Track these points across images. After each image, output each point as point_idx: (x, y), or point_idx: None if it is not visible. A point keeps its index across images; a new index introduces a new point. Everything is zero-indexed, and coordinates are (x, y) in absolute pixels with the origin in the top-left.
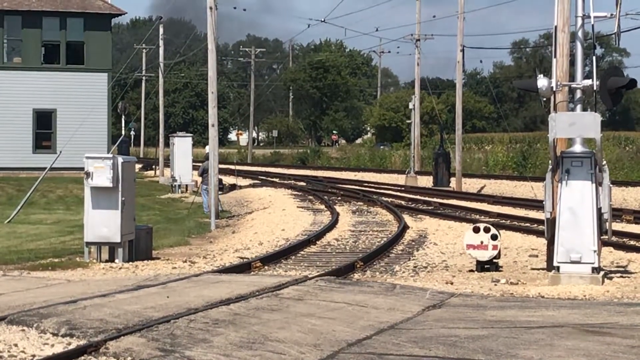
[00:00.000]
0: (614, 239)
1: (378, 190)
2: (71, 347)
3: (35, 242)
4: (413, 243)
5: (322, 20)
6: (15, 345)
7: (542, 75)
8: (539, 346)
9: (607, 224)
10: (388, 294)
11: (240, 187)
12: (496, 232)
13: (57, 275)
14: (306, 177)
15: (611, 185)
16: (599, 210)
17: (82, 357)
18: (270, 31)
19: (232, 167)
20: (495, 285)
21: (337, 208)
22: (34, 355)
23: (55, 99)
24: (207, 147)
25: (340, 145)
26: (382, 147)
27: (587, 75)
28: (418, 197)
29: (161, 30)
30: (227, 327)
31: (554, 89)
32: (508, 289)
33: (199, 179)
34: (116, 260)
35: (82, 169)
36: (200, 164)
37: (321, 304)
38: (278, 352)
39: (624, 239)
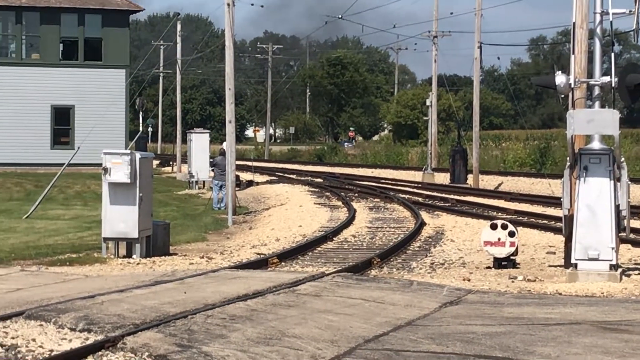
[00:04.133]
0: (632, 236)
1: (395, 187)
2: (89, 342)
3: (53, 237)
4: (430, 240)
5: (340, 17)
6: (34, 340)
7: (560, 72)
8: (556, 343)
9: (625, 221)
10: (405, 291)
11: (257, 183)
12: (514, 229)
13: (74, 271)
14: (323, 173)
15: (629, 182)
16: (617, 207)
17: (100, 352)
18: (287, 28)
19: (249, 163)
20: (513, 282)
21: (354, 204)
22: (52, 350)
23: (73, 95)
24: (224, 144)
25: (357, 142)
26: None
27: (606, 72)
28: (435, 193)
29: (179, 27)
30: (244, 322)
31: (572, 86)
32: (525, 286)
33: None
34: (134, 256)
35: (100, 164)
36: None
37: (338, 300)
38: (295, 347)
39: None
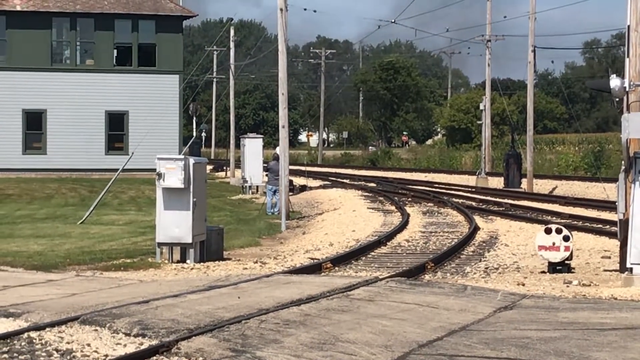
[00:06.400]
0: None
1: (448, 192)
2: (143, 347)
3: (108, 242)
4: (484, 244)
5: (393, 21)
6: (89, 345)
7: (614, 75)
8: (612, 348)
9: None
10: (459, 295)
11: (311, 188)
12: (568, 234)
13: (129, 276)
14: (376, 178)
15: None
16: None
17: (155, 357)
18: (340, 32)
19: (303, 168)
20: (568, 286)
21: (408, 209)
22: (106, 355)
23: (127, 101)
24: (277, 148)
25: (410, 147)
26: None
27: None
28: (489, 198)
29: (232, 32)
30: (297, 327)
31: (627, 89)
32: (580, 291)
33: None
34: (187, 261)
35: (153, 170)
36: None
37: (392, 305)
38: (349, 353)
39: None
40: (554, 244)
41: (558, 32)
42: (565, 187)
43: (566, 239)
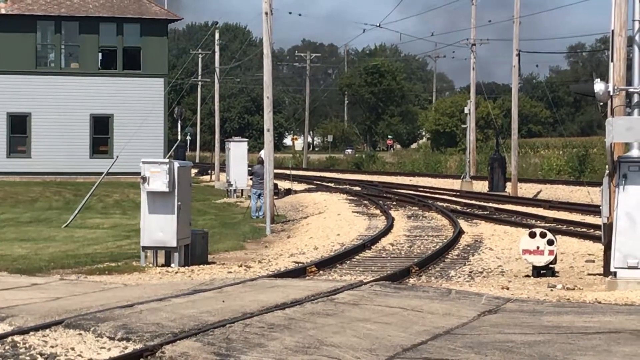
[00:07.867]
0: None
1: (433, 195)
2: (128, 351)
3: (92, 246)
4: (468, 248)
5: (378, 25)
6: (73, 349)
7: (599, 79)
8: (595, 352)
9: None
10: (443, 299)
11: (296, 191)
12: (552, 237)
13: (113, 280)
14: (361, 182)
15: None
16: None
17: None
18: (325, 36)
19: (288, 171)
20: (552, 290)
21: (392, 213)
22: (90, 359)
23: (112, 104)
24: (261, 152)
25: (395, 150)
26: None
27: None
28: (473, 202)
29: (217, 36)
30: (282, 331)
31: (611, 94)
32: (564, 295)
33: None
34: (172, 265)
35: (138, 173)
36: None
37: (376, 309)
38: (333, 356)
39: None
40: (538, 247)
41: (543, 36)
42: (550, 191)
43: (550, 242)
